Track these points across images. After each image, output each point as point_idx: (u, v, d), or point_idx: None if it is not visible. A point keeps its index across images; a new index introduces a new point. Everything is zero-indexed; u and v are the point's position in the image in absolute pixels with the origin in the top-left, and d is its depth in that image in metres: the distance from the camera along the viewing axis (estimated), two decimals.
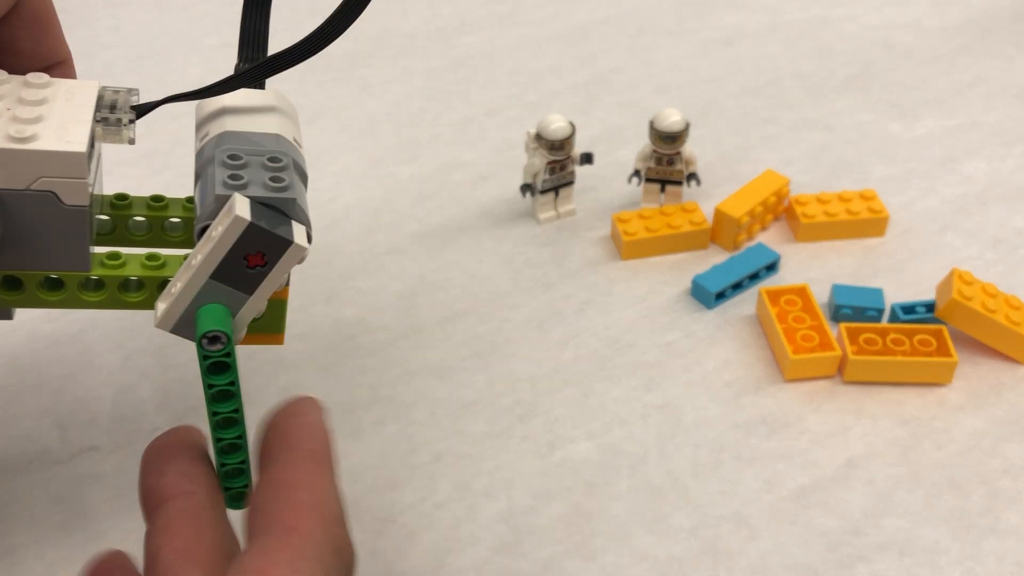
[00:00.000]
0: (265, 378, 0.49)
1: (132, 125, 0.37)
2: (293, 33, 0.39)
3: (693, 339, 0.51)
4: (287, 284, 0.37)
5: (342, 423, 0.47)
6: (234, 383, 0.33)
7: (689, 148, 0.57)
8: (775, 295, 0.52)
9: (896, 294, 0.54)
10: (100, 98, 0.36)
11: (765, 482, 0.45)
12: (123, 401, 0.48)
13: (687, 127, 0.56)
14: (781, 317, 0.51)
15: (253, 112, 0.37)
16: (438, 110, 0.68)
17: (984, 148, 0.65)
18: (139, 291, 0.37)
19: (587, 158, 0.58)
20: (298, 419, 0.34)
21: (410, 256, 0.56)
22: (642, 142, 0.58)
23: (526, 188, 0.57)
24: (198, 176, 0.36)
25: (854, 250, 0.57)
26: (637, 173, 0.58)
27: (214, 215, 0.33)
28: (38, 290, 0.36)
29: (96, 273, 0.36)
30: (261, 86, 0.38)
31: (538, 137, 0.56)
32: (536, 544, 0.42)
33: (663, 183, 0.58)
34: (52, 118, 0.34)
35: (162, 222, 0.40)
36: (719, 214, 0.56)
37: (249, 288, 0.34)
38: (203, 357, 0.33)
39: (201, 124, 0.38)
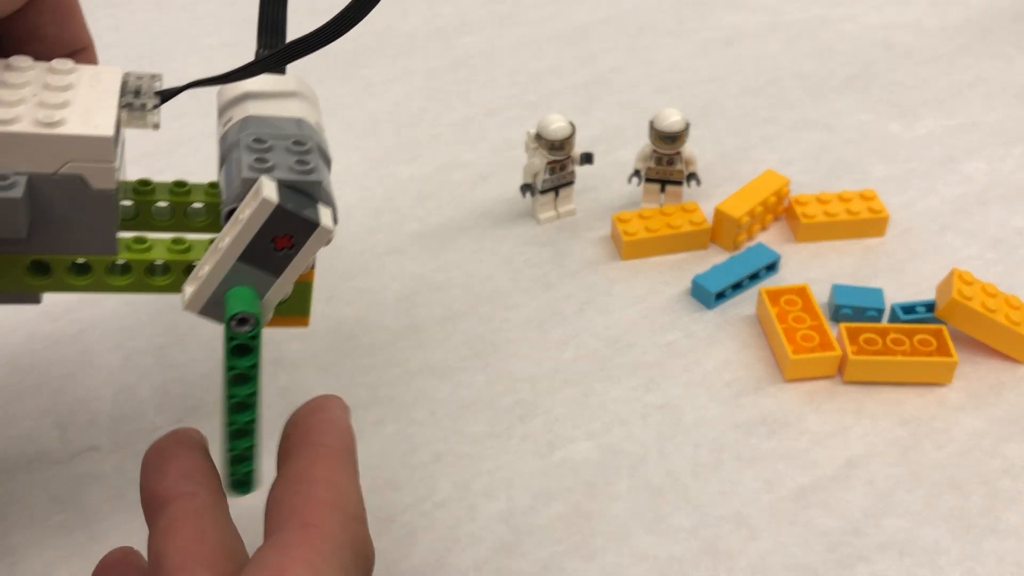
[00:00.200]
0: (265, 378, 0.49)
1: (157, 110, 0.37)
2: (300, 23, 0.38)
3: (693, 339, 0.51)
4: (313, 267, 0.37)
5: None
6: (255, 367, 0.34)
7: (689, 148, 0.57)
8: (775, 295, 0.52)
9: (896, 294, 0.54)
10: (124, 84, 0.37)
11: (765, 482, 0.45)
12: (123, 401, 0.48)
13: (687, 127, 0.56)
14: (781, 317, 0.51)
15: (275, 97, 0.38)
16: (438, 110, 0.68)
17: (984, 148, 0.65)
18: (165, 275, 0.37)
19: (587, 158, 0.58)
20: (321, 415, 0.34)
21: (410, 256, 0.56)
22: (642, 142, 0.58)
23: (526, 188, 0.57)
24: (223, 160, 0.36)
25: (854, 250, 0.57)
26: (637, 173, 0.58)
27: (241, 198, 0.33)
28: (66, 275, 0.36)
29: (123, 257, 0.36)
30: (282, 72, 0.39)
31: (538, 137, 0.56)
32: (536, 544, 0.42)
33: (663, 183, 0.58)
34: (78, 103, 0.34)
35: (185, 207, 0.40)
36: (719, 214, 0.56)
37: (276, 270, 0.34)
38: (229, 338, 0.33)
39: (224, 109, 0.38)
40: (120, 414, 0.47)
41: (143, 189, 0.40)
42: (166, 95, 0.37)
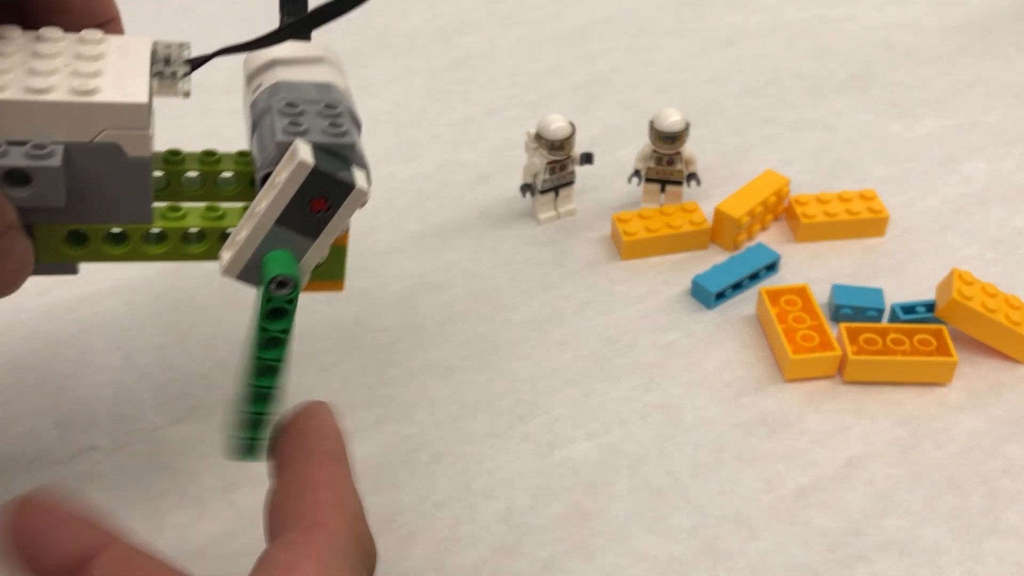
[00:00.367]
0: None
1: (187, 78, 0.37)
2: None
3: (693, 339, 0.51)
4: (347, 231, 0.37)
5: (342, 423, 0.47)
6: (287, 331, 0.34)
7: (689, 148, 0.57)
8: (775, 295, 0.52)
9: (896, 294, 0.54)
10: (153, 52, 0.37)
11: (765, 482, 0.45)
12: (123, 401, 0.48)
13: (687, 127, 0.56)
14: (781, 317, 0.51)
15: (303, 63, 0.38)
16: (438, 110, 0.68)
17: (984, 148, 0.65)
18: (200, 242, 0.37)
19: (587, 158, 0.58)
20: (313, 421, 0.34)
21: (410, 256, 0.56)
22: (642, 142, 0.58)
23: (526, 188, 0.57)
24: (254, 127, 0.36)
25: (854, 250, 0.57)
26: (637, 173, 0.58)
27: (276, 162, 0.34)
28: (103, 244, 0.36)
29: (158, 225, 0.37)
30: (308, 39, 0.39)
31: (538, 137, 0.56)
32: (536, 544, 0.42)
33: (663, 183, 0.58)
34: (111, 72, 0.35)
35: (215, 176, 0.40)
36: (719, 214, 0.56)
37: (313, 233, 0.34)
38: (267, 300, 0.33)
39: (252, 76, 0.38)
40: (120, 414, 0.47)
41: (173, 159, 0.40)
42: (195, 63, 0.38)
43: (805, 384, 0.49)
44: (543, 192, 0.57)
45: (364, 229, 0.58)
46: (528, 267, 0.55)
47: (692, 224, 0.56)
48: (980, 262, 0.56)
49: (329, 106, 0.36)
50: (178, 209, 0.37)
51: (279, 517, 0.31)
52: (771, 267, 0.55)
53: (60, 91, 0.33)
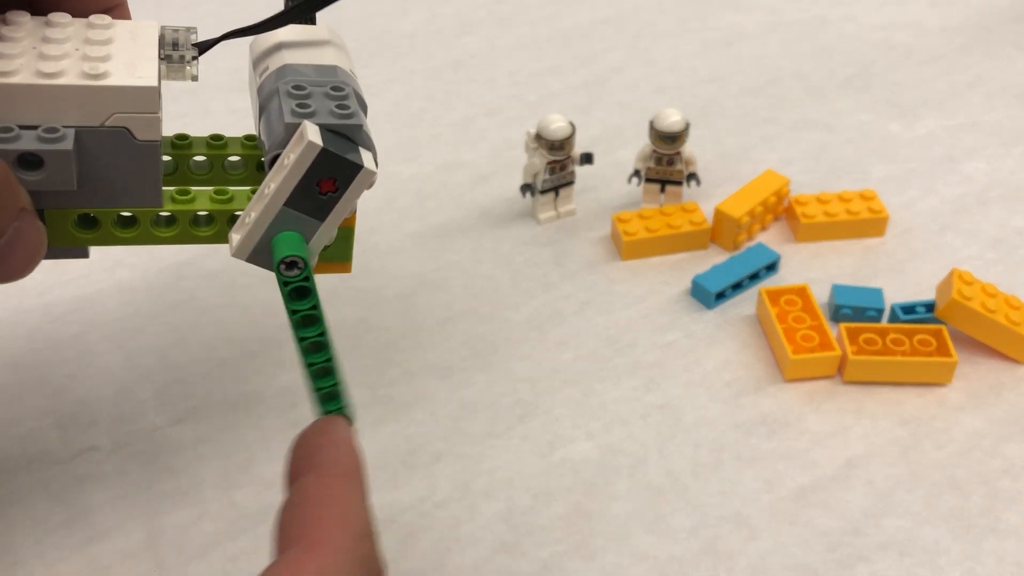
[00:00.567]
0: (266, 378, 0.49)
1: (195, 62, 0.38)
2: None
3: (693, 339, 0.51)
4: (354, 213, 0.38)
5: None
6: (316, 307, 0.34)
7: (689, 148, 0.57)
8: (775, 295, 0.52)
9: (896, 294, 0.54)
10: (161, 37, 0.38)
11: (765, 482, 0.45)
12: (123, 401, 0.48)
13: (687, 127, 0.56)
14: (781, 317, 0.51)
15: (309, 45, 0.38)
16: (438, 110, 0.68)
17: (984, 148, 0.65)
18: (209, 225, 0.38)
19: (587, 158, 0.58)
20: (327, 438, 0.35)
21: (410, 256, 0.56)
22: (642, 142, 0.58)
23: (526, 188, 0.57)
24: (261, 110, 0.37)
25: (854, 250, 0.57)
26: (637, 173, 0.58)
27: (284, 144, 0.34)
28: (113, 228, 0.37)
29: (168, 209, 0.37)
30: (312, 21, 0.39)
31: (538, 137, 0.56)
32: (536, 544, 0.42)
33: (663, 183, 0.58)
34: (120, 56, 0.35)
35: (222, 160, 0.41)
36: (719, 214, 0.56)
37: (322, 214, 0.34)
38: (283, 283, 0.34)
39: (259, 60, 0.39)
40: (120, 414, 0.47)
41: (180, 143, 0.40)
42: (203, 47, 0.38)
43: (805, 384, 0.49)
44: (543, 192, 0.57)
45: (364, 229, 0.58)
46: (528, 267, 0.55)
47: (692, 224, 0.56)
48: (980, 262, 0.56)
49: (336, 88, 0.36)
50: (187, 192, 0.37)
51: (284, 533, 0.31)
52: (771, 267, 0.55)
53: (71, 75, 0.33)
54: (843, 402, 0.48)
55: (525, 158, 0.59)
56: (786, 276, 0.55)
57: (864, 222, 0.57)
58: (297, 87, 0.36)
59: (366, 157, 0.35)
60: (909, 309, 0.52)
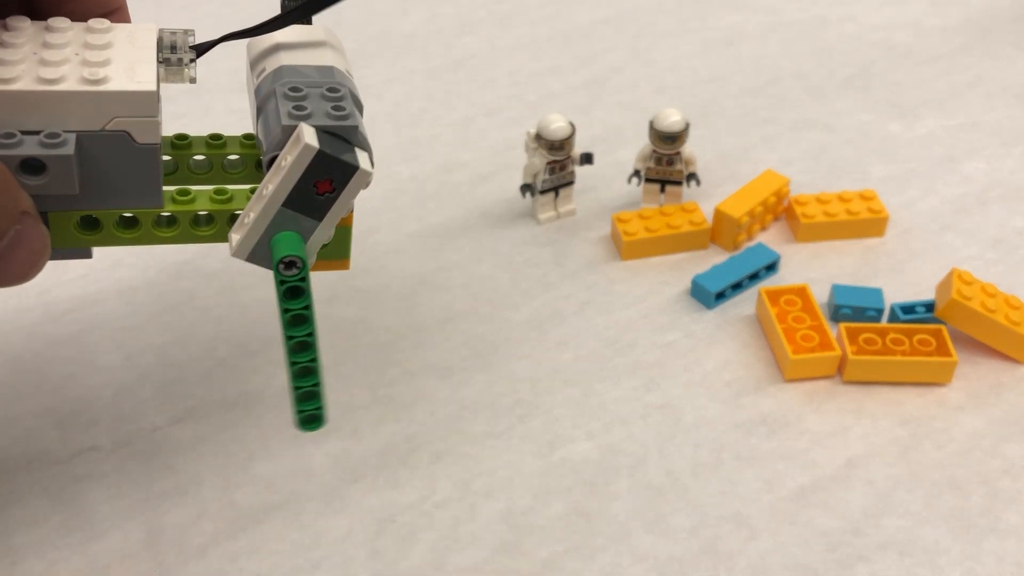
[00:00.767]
0: (265, 378, 0.49)
1: (193, 64, 0.38)
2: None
3: (693, 339, 0.51)
4: (351, 211, 0.38)
5: (342, 423, 0.47)
6: (308, 307, 0.35)
7: (689, 148, 0.57)
8: (775, 295, 0.52)
9: (896, 294, 0.54)
10: (160, 40, 0.38)
11: (765, 482, 0.45)
12: (123, 401, 0.48)
13: (687, 127, 0.56)
14: (781, 317, 0.51)
15: (305, 47, 0.39)
16: (438, 110, 0.68)
17: (984, 148, 0.65)
18: (210, 225, 0.38)
19: (587, 158, 0.58)
20: None
21: (410, 256, 0.56)
22: (642, 142, 0.58)
23: (526, 188, 0.57)
24: (259, 111, 0.37)
25: (854, 250, 0.57)
26: (637, 173, 0.58)
27: (282, 145, 0.35)
28: (115, 229, 0.37)
29: (168, 209, 0.37)
30: (309, 23, 0.40)
31: (538, 137, 0.56)
32: (536, 544, 0.42)
33: (663, 183, 0.58)
34: (119, 61, 0.35)
35: (222, 160, 0.41)
36: (719, 214, 0.56)
37: (319, 214, 0.35)
38: (280, 282, 0.34)
39: (256, 61, 0.39)
40: (120, 414, 0.47)
41: (180, 143, 0.41)
42: (201, 49, 0.38)
43: (805, 384, 0.49)
44: (543, 192, 0.57)
45: (364, 229, 0.58)
46: (528, 267, 0.55)
47: (692, 224, 0.56)
48: (980, 262, 0.56)
49: (332, 89, 0.36)
50: (187, 192, 0.38)
51: None
52: (771, 267, 0.55)
53: (71, 81, 0.34)
54: (843, 402, 0.48)
55: (525, 158, 0.59)
56: (786, 276, 0.55)
57: (864, 222, 0.57)
58: (294, 89, 0.36)
59: (362, 158, 0.35)
60: (909, 309, 0.52)
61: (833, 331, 0.51)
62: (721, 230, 0.56)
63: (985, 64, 0.73)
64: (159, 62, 0.37)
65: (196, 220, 0.38)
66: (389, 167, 0.63)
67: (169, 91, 0.67)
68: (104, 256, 0.55)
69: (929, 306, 0.51)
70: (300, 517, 0.43)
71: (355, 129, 0.35)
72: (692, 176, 0.58)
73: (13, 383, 0.48)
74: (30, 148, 0.33)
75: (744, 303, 0.53)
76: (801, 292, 0.52)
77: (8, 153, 0.33)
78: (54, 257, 0.36)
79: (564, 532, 0.43)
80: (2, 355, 0.49)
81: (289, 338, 0.36)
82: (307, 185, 0.34)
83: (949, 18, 0.79)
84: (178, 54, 0.38)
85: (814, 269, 0.55)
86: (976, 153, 0.64)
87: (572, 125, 0.56)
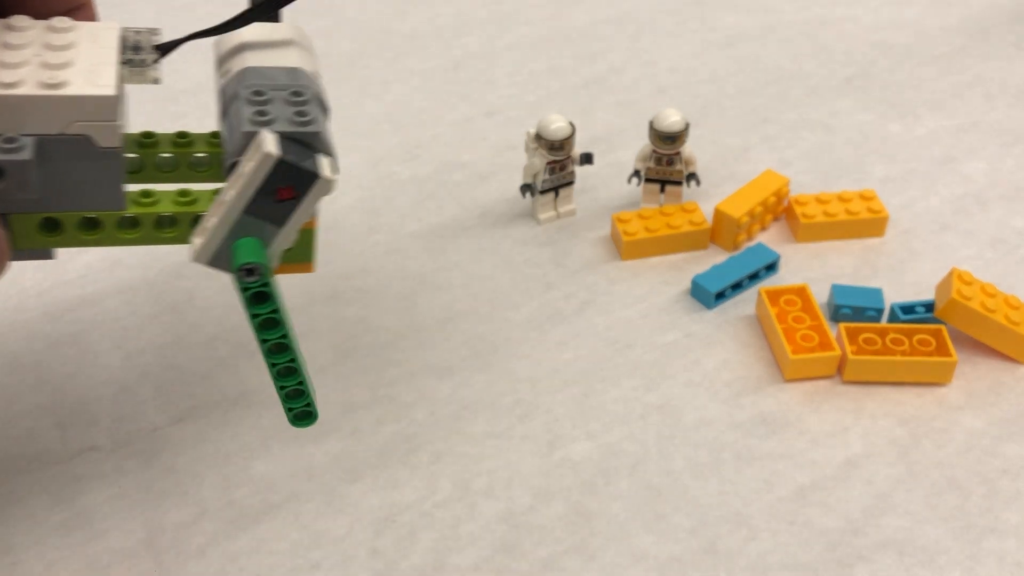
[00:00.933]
0: (265, 378, 0.49)
1: (157, 65, 0.38)
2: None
3: (693, 339, 0.51)
4: (315, 215, 0.38)
5: (342, 423, 0.47)
6: (277, 311, 0.35)
7: (689, 148, 0.57)
8: (775, 295, 0.52)
9: (896, 294, 0.54)
10: (123, 40, 0.37)
11: (765, 482, 0.45)
12: (123, 401, 0.48)
13: (687, 127, 0.56)
14: (781, 317, 0.51)
15: (272, 46, 0.38)
16: (438, 110, 0.68)
17: (984, 148, 0.65)
18: (173, 227, 0.38)
19: (587, 158, 0.58)
20: None
21: (410, 256, 0.56)
22: (642, 142, 0.58)
23: (526, 188, 0.57)
24: (223, 113, 0.37)
25: (854, 250, 0.57)
26: (637, 173, 0.58)
27: (243, 151, 0.34)
28: (77, 231, 0.37)
29: (131, 211, 0.37)
30: (277, 19, 0.39)
31: (538, 137, 0.56)
32: (536, 544, 0.42)
33: (663, 183, 0.58)
34: (80, 62, 0.35)
35: (188, 158, 0.41)
36: (719, 214, 0.56)
37: (280, 221, 0.35)
38: (243, 289, 0.34)
39: (222, 61, 0.39)
40: (120, 414, 0.47)
41: (146, 141, 0.40)
42: (165, 49, 0.38)
43: (805, 384, 0.49)
44: (543, 192, 0.57)
45: (364, 229, 0.58)
46: (528, 267, 0.55)
47: (692, 224, 0.56)
48: (980, 262, 0.56)
49: (296, 93, 0.36)
50: (151, 194, 0.37)
51: None
52: (771, 267, 0.55)
53: (29, 84, 0.33)
54: (843, 402, 0.48)
55: (525, 158, 0.59)
56: (786, 276, 0.55)
57: (864, 222, 0.57)
58: (257, 92, 0.35)
59: (324, 164, 0.35)
60: (909, 309, 0.52)
61: (833, 331, 0.51)
62: (721, 230, 0.56)
63: (985, 64, 0.73)
64: (122, 62, 0.37)
65: (159, 222, 0.37)
66: (389, 167, 0.63)
67: (171, 90, 0.67)
68: (104, 256, 0.55)
69: (929, 306, 0.51)
70: (300, 517, 0.43)
71: (318, 135, 0.35)
72: (692, 176, 0.58)
73: (13, 383, 0.48)
74: None
75: (744, 303, 0.53)
76: (801, 292, 0.52)
77: None
78: (14, 259, 0.36)
79: (564, 532, 0.43)
80: (2, 355, 0.50)
81: (264, 341, 0.35)
82: (268, 192, 0.34)
83: (949, 18, 0.79)
84: (141, 55, 0.37)
85: (814, 269, 0.55)
86: (976, 153, 0.64)
87: (572, 125, 0.56)
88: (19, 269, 0.54)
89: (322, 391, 0.48)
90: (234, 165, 0.34)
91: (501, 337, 0.51)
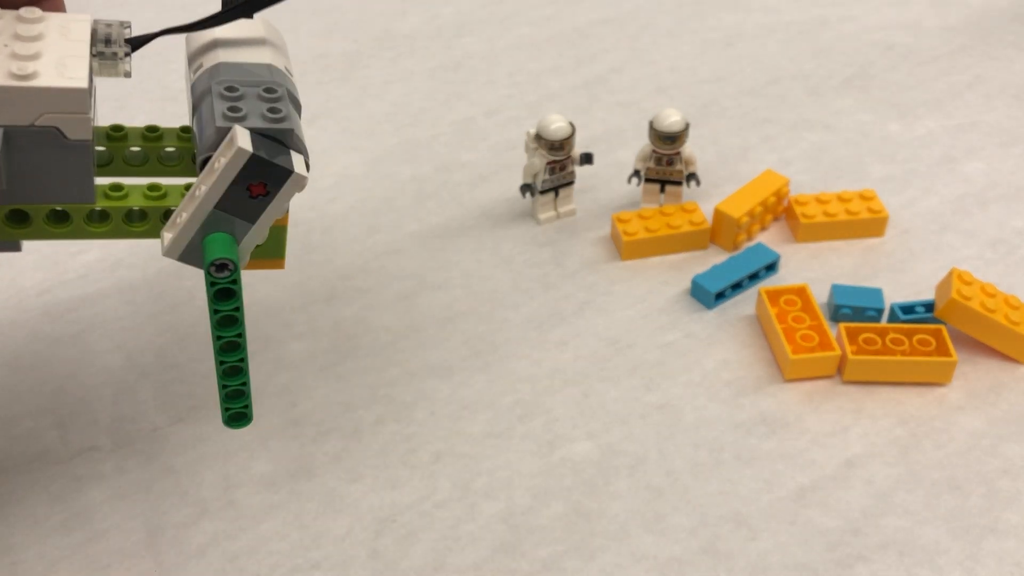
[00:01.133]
0: (265, 377, 0.49)
1: (128, 58, 0.37)
2: None
3: (693, 339, 0.51)
4: (287, 211, 0.38)
5: (342, 423, 0.47)
6: (239, 309, 0.35)
7: (689, 148, 0.57)
8: (775, 295, 0.52)
9: (896, 294, 0.54)
10: (94, 32, 0.37)
11: (765, 482, 0.45)
12: (123, 401, 0.48)
13: (687, 127, 0.56)
14: (781, 317, 0.51)
15: (244, 43, 0.38)
16: (438, 110, 0.68)
17: (984, 148, 0.65)
18: (143, 221, 0.37)
19: (587, 158, 0.58)
20: None
21: (410, 256, 0.56)
22: (642, 142, 0.58)
23: (526, 188, 0.57)
24: (194, 108, 0.37)
25: (854, 250, 0.57)
26: (637, 173, 0.58)
27: (215, 147, 0.34)
28: (45, 223, 0.37)
29: (100, 204, 0.37)
30: (250, 18, 0.39)
31: (538, 137, 0.56)
32: (536, 544, 0.42)
33: (663, 183, 0.58)
34: (50, 54, 0.35)
35: (158, 152, 0.40)
36: (719, 214, 0.56)
37: (252, 217, 0.35)
38: (211, 284, 0.34)
39: (193, 57, 0.38)
40: (120, 414, 0.47)
41: (116, 135, 0.40)
42: (136, 43, 0.38)
43: (804, 384, 0.49)
44: (543, 192, 0.57)
45: (364, 229, 0.58)
46: (528, 267, 0.55)
47: (692, 224, 0.56)
48: (979, 262, 0.56)
49: (269, 90, 0.36)
50: (120, 188, 0.37)
51: None
52: (771, 267, 0.55)
53: None
54: (843, 402, 0.48)
55: (525, 158, 0.59)
56: (786, 276, 0.55)
57: (864, 222, 0.57)
58: (229, 88, 0.35)
59: (297, 161, 0.35)
60: (908, 309, 0.52)
61: (833, 331, 0.51)
62: (721, 230, 0.56)
63: (985, 64, 0.73)
64: (92, 55, 0.36)
65: (129, 216, 0.37)
66: (389, 167, 0.63)
67: (170, 90, 0.67)
68: (104, 256, 0.55)
69: (929, 306, 0.51)
70: (300, 517, 0.43)
71: (291, 132, 0.35)
72: (692, 176, 0.58)
73: (13, 383, 0.48)
74: None
75: (744, 303, 0.53)
76: (801, 292, 0.52)
77: None
78: None
79: (564, 532, 0.43)
80: (2, 355, 0.50)
81: (218, 338, 0.35)
82: (240, 188, 0.34)
83: (949, 18, 0.79)
84: (112, 48, 0.37)
85: (814, 269, 0.56)
86: (976, 153, 0.64)
87: (572, 125, 0.56)
88: (19, 269, 0.54)
89: (322, 391, 0.48)
90: (206, 160, 0.34)
91: (501, 337, 0.51)
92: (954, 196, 0.61)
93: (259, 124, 0.34)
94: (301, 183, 0.35)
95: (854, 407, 0.48)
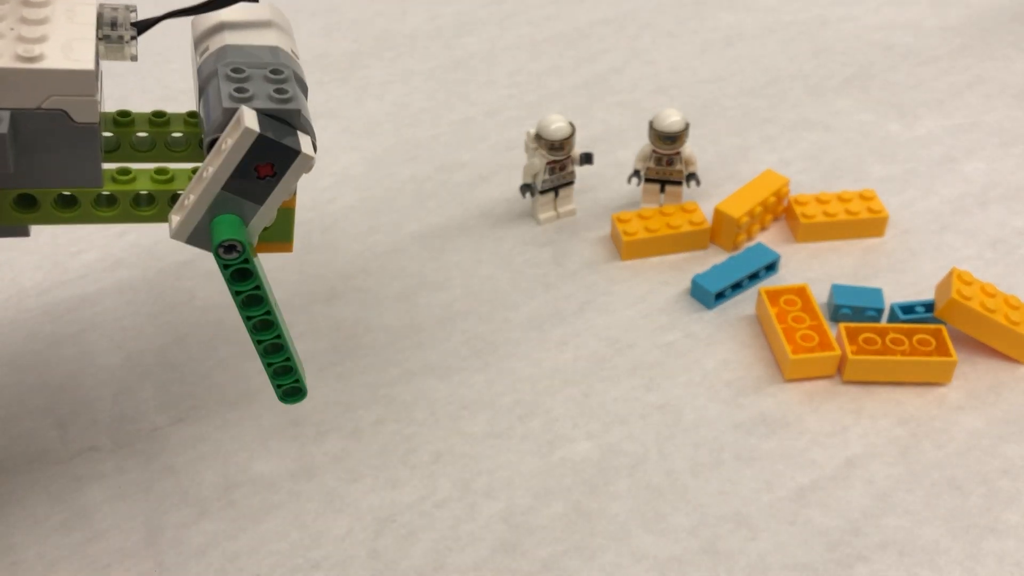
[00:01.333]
0: (265, 378, 0.49)
1: (134, 41, 0.37)
2: None
3: (693, 339, 0.51)
4: (294, 194, 0.38)
5: (342, 423, 0.47)
6: (259, 287, 0.35)
7: (689, 148, 0.57)
8: (775, 295, 0.52)
9: (895, 294, 0.54)
10: (100, 15, 0.37)
11: (765, 482, 0.45)
12: (123, 401, 0.48)
13: (687, 127, 0.56)
14: (781, 317, 0.51)
15: (250, 26, 0.38)
16: (438, 110, 0.68)
17: (984, 148, 0.65)
18: (150, 205, 0.37)
19: (587, 158, 0.58)
20: None
21: (410, 256, 0.56)
22: (642, 142, 0.58)
23: (526, 188, 0.57)
24: (201, 91, 0.36)
25: (854, 250, 0.57)
26: (637, 173, 0.58)
27: (222, 128, 0.34)
28: (53, 208, 0.37)
29: (108, 189, 0.37)
30: (255, 1, 0.39)
31: (538, 137, 0.56)
32: (536, 544, 0.42)
33: (663, 183, 0.58)
34: (57, 37, 0.35)
35: (165, 137, 0.40)
36: (719, 214, 0.56)
37: (260, 198, 0.35)
38: (223, 266, 0.34)
39: (199, 40, 0.38)
40: (120, 414, 0.47)
41: (123, 120, 0.40)
42: (142, 26, 0.38)
43: (804, 384, 0.49)
44: (543, 192, 0.57)
45: (364, 229, 0.58)
46: (528, 267, 0.55)
47: (692, 224, 0.56)
48: (979, 262, 0.56)
49: (275, 71, 0.36)
50: (128, 172, 0.37)
51: None
52: (771, 267, 0.55)
53: (5, 57, 0.33)
54: (842, 402, 0.48)
55: (525, 158, 0.59)
56: (786, 276, 0.55)
57: (864, 222, 0.57)
58: (236, 70, 0.35)
59: (304, 142, 0.35)
60: (908, 309, 0.52)
61: (833, 331, 0.51)
62: (721, 230, 0.56)
63: (985, 64, 0.73)
64: (98, 38, 0.36)
65: (137, 200, 0.37)
66: (389, 167, 0.63)
67: (172, 89, 0.67)
68: (104, 256, 0.55)
69: (929, 306, 0.51)
70: (300, 517, 0.43)
71: (298, 113, 0.35)
72: (692, 176, 0.58)
73: (13, 383, 0.48)
74: None
75: (744, 303, 0.53)
76: (801, 292, 0.52)
77: None
78: None
79: (564, 532, 0.43)
80: (2, 355, 0.50)
81: (248, 319, 0.35)
82: (248, 169, 0.34)
83: (949, 18, 0.79)
84: (118, 31, 0.37)
85: (814, 269, 0.56)
86: (976, 153, 0.64)
87: (572, 125, 0.56)
88: (19, 269, 0.54)
89: (322, 391, 0.48)
90: (213, 142, 0.34)
91: (501, 337, 0.51)
92: (954, 196, 0.61)
93: (266, 105, 0.34)
94: (308, 163, 0.35)
95: (854, 407, 0.48)
